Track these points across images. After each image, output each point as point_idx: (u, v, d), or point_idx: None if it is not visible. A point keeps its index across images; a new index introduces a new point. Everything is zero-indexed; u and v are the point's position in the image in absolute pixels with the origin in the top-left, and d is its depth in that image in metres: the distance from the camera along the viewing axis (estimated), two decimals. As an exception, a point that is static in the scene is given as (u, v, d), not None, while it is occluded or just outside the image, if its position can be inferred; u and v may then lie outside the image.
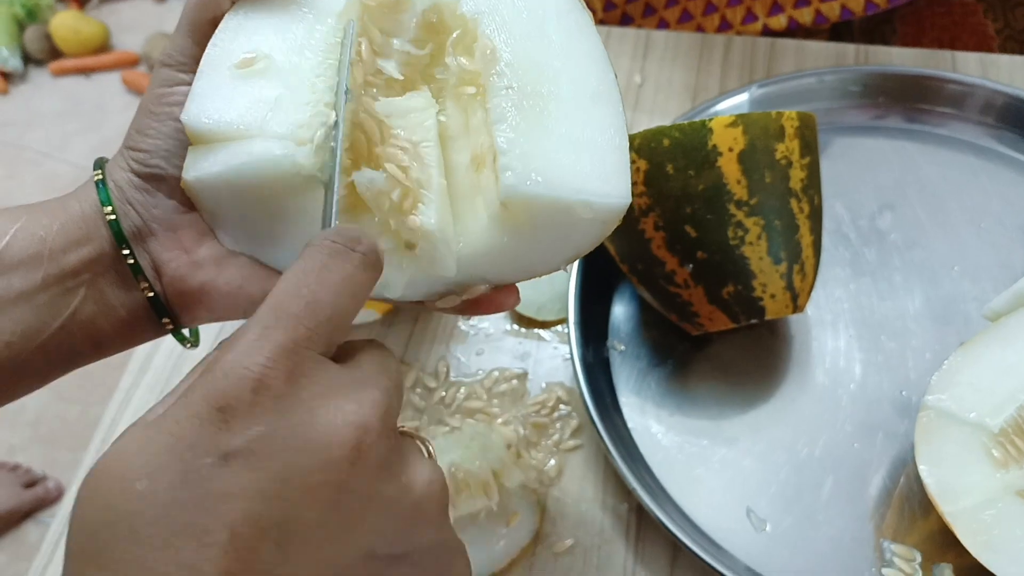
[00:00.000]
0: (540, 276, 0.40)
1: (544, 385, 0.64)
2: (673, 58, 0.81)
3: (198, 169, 0.37)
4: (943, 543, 0.54)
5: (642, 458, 0.59)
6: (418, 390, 0.65)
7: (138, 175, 0.38)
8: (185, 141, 0.38)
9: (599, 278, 0.66)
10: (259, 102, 0.37)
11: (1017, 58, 0.76)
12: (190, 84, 0.38)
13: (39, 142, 2.15)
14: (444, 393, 0.64)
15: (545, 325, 0.67)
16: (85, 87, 2.26)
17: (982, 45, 0.84)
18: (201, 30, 0.39)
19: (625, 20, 0.87)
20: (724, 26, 0.84)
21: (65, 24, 2.26)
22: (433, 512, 0.29)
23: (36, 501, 1.58)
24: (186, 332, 0.42)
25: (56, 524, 0.62)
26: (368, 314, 0.67)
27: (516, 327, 0.67)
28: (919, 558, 0.54)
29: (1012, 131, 0.70)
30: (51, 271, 0.37)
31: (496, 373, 0.65)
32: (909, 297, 0.64)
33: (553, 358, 0.65)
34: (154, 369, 0.69)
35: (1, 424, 1.70)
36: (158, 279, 0.38)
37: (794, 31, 0.83)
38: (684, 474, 0.58)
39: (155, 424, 0.26)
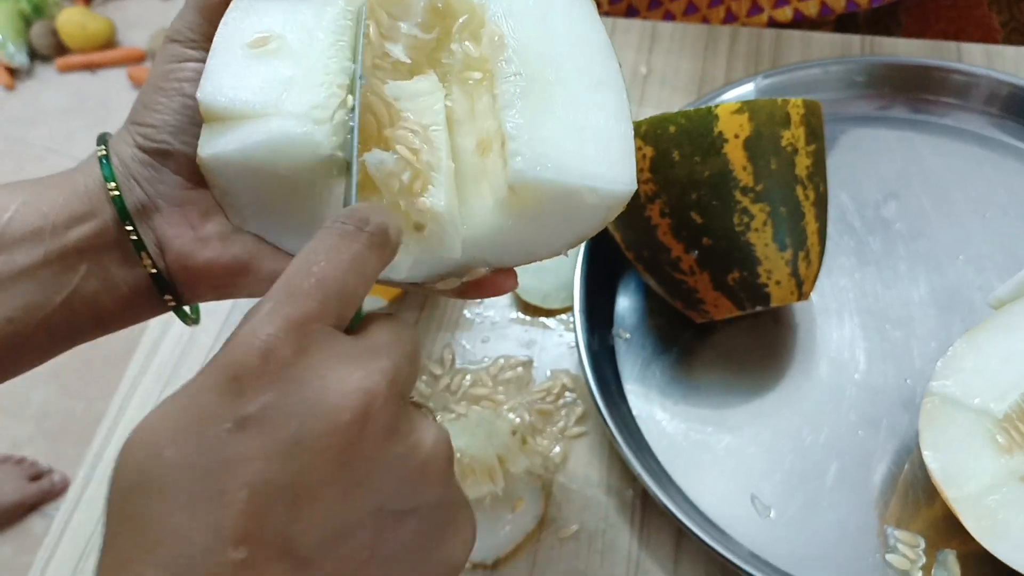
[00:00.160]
0: (541, 260, 0.41)
1: (549, 372, 0.64)
2: (679, 49, 0.81)
3: (214, 146, 0.37)
4: (947, 530, 0.54)
5: (647, 445, 0.59)
6: (424, 377, 0.65)
7: (144, 150, 0.38)
8: (193, 117, 0.38)
9: (604, 266, 0.66)
10: (274, 81, 0.37)
11: (1023, 49, 0.76)
12: (199, 60, 0.38)
13: (45, 138, 2.16)
14: (450, 380, 0.64)
15: (550, 313, 0.67)
16: (91, 83, 2.27)
17: (987, 38, 0.84)
18: (211, 7, 0.39)
19: (631, 12, 0.88)
20: (729, 18, 0.84)
21: (71, 20, 2.27)
22: (438, 471, 0.30)
23: (41, 494, 1.59)
24: (187, 309, 0.42)
25: (60, 517, 0.62)
26: (375, 301, 0.68)
27: (521, 315, 0.67)
28: (923, 544, 0.54)
29: (1017, 121, 0.70)
30: (53, 247, 0.37)
31: (501, 360, 0.65)
32: (914, 286, 0.64)
33: (558, 346, 0.66)
34: (160, 357, 0.69)
35: (7, 418, 1.71)
36: (162, 255, 0.39)
37: (799, 23, 0.83)
38: (689, 461, 0.59)
39: (179, 395, 0.28)
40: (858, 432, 0.58)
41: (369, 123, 0.39)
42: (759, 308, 0.58)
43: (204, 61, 0.38)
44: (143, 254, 0.38)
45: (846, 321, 0.63)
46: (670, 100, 0.78)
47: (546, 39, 0.40)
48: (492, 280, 0.41)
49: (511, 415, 0.61)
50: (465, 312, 0.68)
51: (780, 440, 0.59)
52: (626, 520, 0.58)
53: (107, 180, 0.38)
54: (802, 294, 0.58)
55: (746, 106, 0.54)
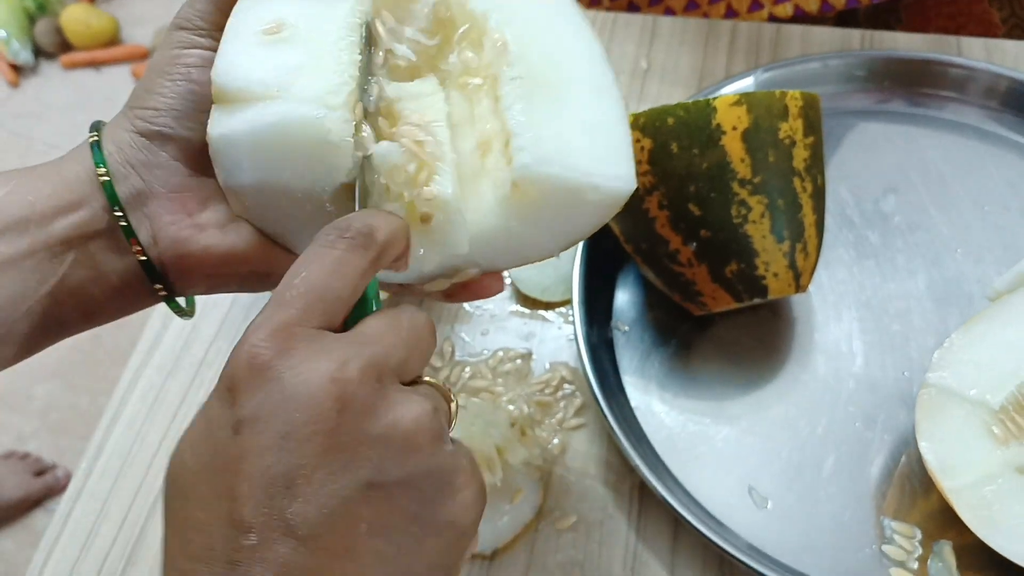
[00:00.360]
0: (534, 262, 0.42)
1: (548, 365, 0.65)
2: (679, 44, 0.81)
3: (224, 126, 0.37)
4: (943, 521, 0.54)
5: (645, 437, 0.60)
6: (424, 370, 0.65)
7: (143, 134, 0.38)
8: (198, 103, 0.38)
9: (603, 260, 0.66)
10: (287, 67, 0.38)
11: (1023, 43, 0.76)
12: (207, 48, 0.39)
13: (49, 134, 2.17)
14: (449, 373, 0.65)
15: (550, 306, 0.68)
16: (95, 80, 2.28)
17: (987, 34, 0.84)
18: None
19: (632, 8, 0.88)
20: (730, 14, 0.84)
21: (75, 17, 2.28)
22: (423, 442, 0.31)
23: (45, 489, 1.59)
24: (182, 302, 0.42)
25: (61, 510, 0.63)
26: None
27: (521, 308, 0.68)
28: (919, 535, 0.54)
29: (1016, 114, 0.71)
30: (38, 236, 0.37)
31: (501, 353, 0.65)
32: (912, 279, 0.64)
33: (557, 338, 0.66)
34: (162, 349, 0.70)
35: (11, 413, 1.71)
36: (155, 243, 0.38)
37: (800, 19, 0.83)
38: (686, 452, 0.59)
39: (199, 411, 0.32)
40: (855, 424, 0.59)
41: (373, 123, 0.40)
42: (757, 300, 0.58)
43: (212, 49, 0.39)
44: (132, 240, 0.38)
45: (844, 314, 0.64)
46: (670, 94, 0.78)
47: (547, 47, 0.42)
48: (480, 282, 0.42)
49: (510, 407, 0.61)
50: (464, 305, 0.69)
51: (778, 432, 0.59)
52: (624, 511, 0.58)
53: (97, 165, 0.38)
54: (800, 286, 0.58)
55: (744, 98, 0.54)
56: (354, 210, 0.37)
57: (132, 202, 0.38)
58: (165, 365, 0.68)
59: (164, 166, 0.39)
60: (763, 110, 0.54)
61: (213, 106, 0.38)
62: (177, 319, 0.70)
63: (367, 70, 0.40)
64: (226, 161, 0.38)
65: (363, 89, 0.39)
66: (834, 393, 0.60)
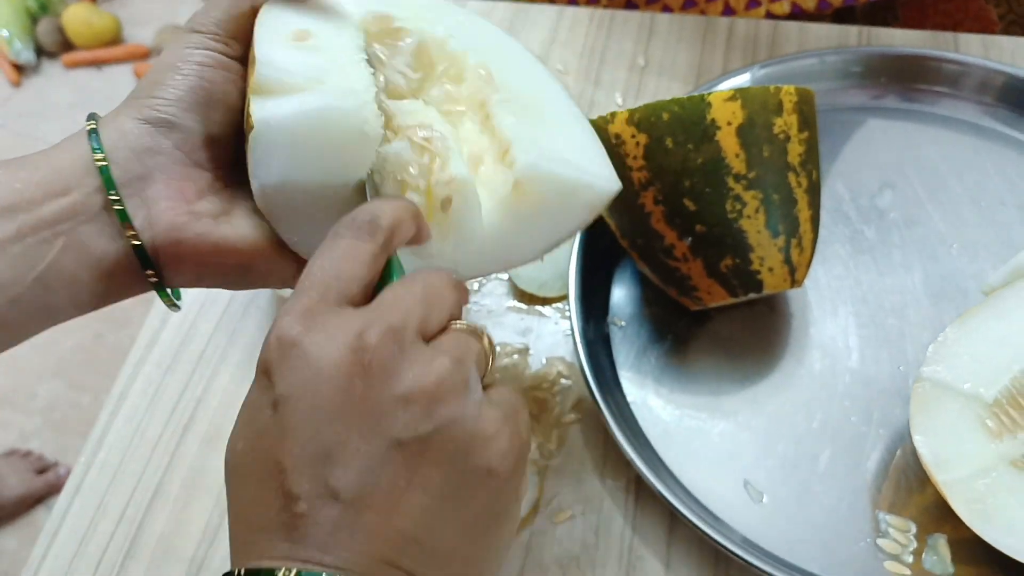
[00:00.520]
0: (516, 267, 0.46)
1: (545, 360, 0.65)
2: (676, 41, 0.81)
3: (267, 110, 0.38)
4: (938, 515, 0.54)
5: (641, 431, 0.60)
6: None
7: (148, 121, 0.39)
8: (207, 100, 0.40)
9: (600, 256, 0.66)
10: (321, 66, 0.40)
11: (1020, 39, 0.76)
12: (219, 52, 0.40)
13: (51, 133, 2.17)
14: (446, 368, 0.65)
15: (546, 302, 0.68)
16: (97, 79, 2.28)
17: (984, 30, 0.84)
18: (243, 11, 0.41)
19: (630, 6, 0.88)
20: (727, 11, 0.84)
21: (77, 17, 2.28)
22: (446, 395, 0.33)
23: (47, 487, 1.60)
24: (169, 292, 0.42)
25: (61, 503, 0.63)
26: None
27: (518, 303, 0.68)
28: (914, 529, 0.54)
29: (1012, 110, 0.71)
30: (26, 222, 0.37)
31: (498, 348, 0.66)
32: (908, 274, 0.65)
33: (554, 334, 0.66)
34: (161, 345, 0.70)
35: (13, 411, 1.72)
36: (149, 228, 0.39)
37: (797, 16, 0.83)
38: (682, 447, 0.59)
39: (244, 400, 0.34)
40: (851, 419, 0.59)
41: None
42: (752, 295, 0.58)
43: (224, 54, 0.41)
44: (127, 225, 0.38)
45: (840, 309, 0.64)
46: (667, 91, 0.78)
47: (521, 78, 0.47)
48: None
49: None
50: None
51: (773, 426, 0.59)
52: (620, 505, 0.58)
53: (95, 151, 0.38)
54: (795, 281, 0.58)
55: (739, 94, 0.54)
56: None
57: (130, 186, 0.39)
58: (164, 361, 0.69)
59: (166, 153, 0.39)
60: (758, 105, 0.54)
61: (251, 96, 0.39)
62: (176, 315, 0.71)
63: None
64: (264, 146, 0.39)
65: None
66: (830, 388, 0.60)
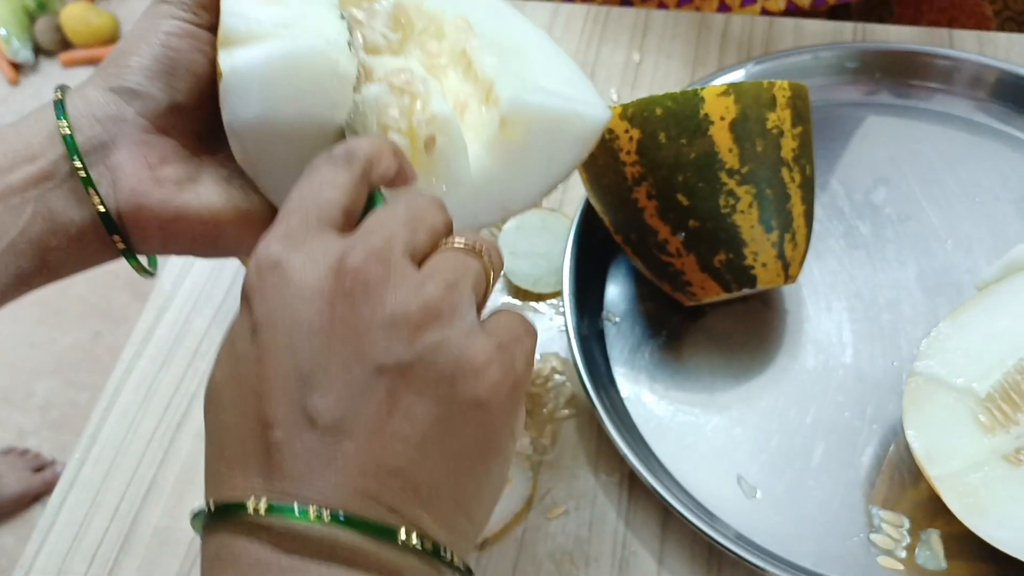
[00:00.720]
0: (517, 213, 0.44)
1: (539, 356, 0.65)
2: (672, 37, 0.81)
3: (236, 59, 0.38)
4: (931, 511, 0.54)
5: (635, 427, 0.60)
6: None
7: (113, 89, 0.40)
8: (170, 69, 0.40)
9: (595, 252, 0.66)
10: (292, 15, 0.40)
11: (1015, 36, 0.76)
12: (187, 21, 0.40)
13: (49, 132, 2.17)
14: (441, 363, 0.65)
15: (541, 297, 0.68)
16: (95, 78, 2.28)
17: (979, 27, 0.84)
18: None
19: (625, 3, 0.88)
20: (723, 8, 0.84)
21: (75, 15, 2.28)
22: (432, 320, 0.31)
23: (44, 485, 1.60)
24: (144, 261, 0.43)
25: (55, 497, 0.63)
26: None
27: (513, 299, 0.68)
28: (907, 524, 0.54)
29: (1006, 105, 0.71)
30: None
31: (492, 344, 0.65)
32: (902, 270, 0.65)
33: (549, 329, 0.66)
34: (155, 341, 0.70)
35: (11, 409, 1.72)
36: (114, 194, 0.39)
37: (793, 13, 0.83)
38: (676, 442, 0.59)
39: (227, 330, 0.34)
40: (844, 414, 0.59)
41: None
42: (746, 290, 0.58)
43: (192, 23, 0.40)
44: (91, 190, 0.39)
45: (834, 304, 0.64)
46: (662, 87, 0.78)
47: (501, 24, 0.46)
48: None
49: (501, 397, 0.62)
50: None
51: (767, 422, 0.59)
52: (613, 500, 0.58)
53: (59, 118, 0.39)
54: (789, 276, 0.58)
55: (732, 88, 0.54)
56: None
57: (95, 153, 0.39)
58: (158, 356, 0.69)
59: (130, 121, 0.40)
60: (751, 100, 0.54)
61: (220, 49, 0.39)
62: (170, 311, 0.71)
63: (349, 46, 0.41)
64: (235, 96, 0.39)
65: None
66: (823, 383, 0.60)
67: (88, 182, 0.39)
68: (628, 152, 0.55)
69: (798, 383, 0.61)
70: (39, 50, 2.33)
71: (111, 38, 2.32)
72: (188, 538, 0.60)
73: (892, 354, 0.61)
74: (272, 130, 0.40)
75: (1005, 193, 0.67)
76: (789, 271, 0.58)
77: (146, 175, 0.39)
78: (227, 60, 0.38)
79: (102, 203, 0.39)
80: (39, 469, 1.62)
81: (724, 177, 0.54)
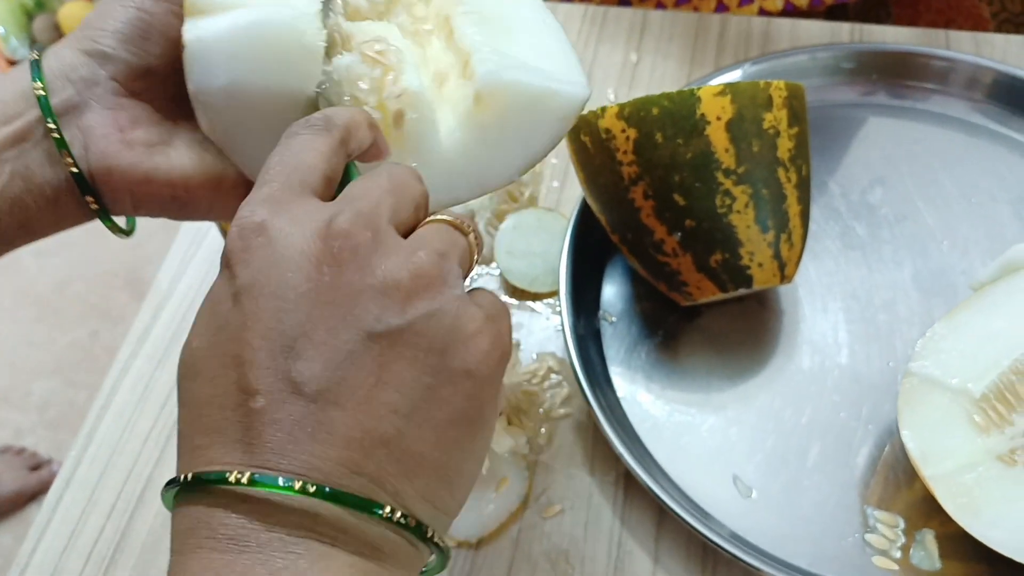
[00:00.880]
0: (495, 189, 0.43)
1: (535, 355, 0.65)
2: (669, 38, 0.82)
3: (200, 29, 0.38)
4: (926, 511, 0.54)
5: (631, 426, 0.60)
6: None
7: (86, 52, 0.40)
8: (144, 32, 0.40)
9: (591, 252, 0.66)
10: None
11: (1012, 37, 0.76)
12: None
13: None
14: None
15: (537, 297, 0.68)
16: (93, 77, 2.28)
17: (977, 28, 0.84)
18: None
19: (623, 3, 0.88)
20: (720, 8, 0.84)
21: (73, 14, 2.28)
22: (424, 288, 0.31)
23: (41, 484, 1.60)
24: (122, 223, 0.43)
25: (51, 496, 0.63)
26: None
27: (509, 299, 0.68)
28: (902, 524, 0.54)
29: (1002, 107, 0.71)
30: None
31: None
32: (898, 270, 0.65)
33: (545, 329, 0.66)
34: (152, 340, 0.70)
35: (9, 408, 1.72)
36: (86, 156, 0.40)
37: (790, 13, 0.83)
38: (672, 442, 0.59)
39: (203, 300, 0.33)
40: (840, 414, 0.59)
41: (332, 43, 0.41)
42: (742, 290, 0.58)
43: None
44: (64, 152, 0.39)
45: (830, 305, 0.64)
46: (659, 87, 0.78)
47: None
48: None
49: (497, 396, 0.62)
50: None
51: (763, 422, 0.59)
52: (609, 500, 0.58)
53: (34, 80, 0.39)
54: (785, 276, 0.58)
55: (728, 88, 0.54)
56: None
57: (67, 114, 0.39)
58: (155, 355, 0.69)
59: (102, 84, 0.40)
60: (747, 100, 0.54)
61: (186, 19, 0.39)
62: (167, 309, 0.71)
63: (325, 13, 0.41)
64: (199, 67, 0.39)
65: (324, 24, 0.40)
66: (819, 383, 0.60)
67: (61, 143, 0.39)
68: (625, 152, 0.55)
69: (794, 383, 0.61)
70: (37, 49, 2.33)
71: (109, 37, 2.32)
72: (184, 537, 0.60)
73: (888, 355, 0.61)
74: (237, 101, 0.39)
75: (1001, 194, 0.67)
76: (785, 271, 0.58)
77: (116, 137, 0.40)
78: (192, 30, 0.38)
79: (75, 164, 0.39)
80: (36, 468, 1.62)
81: (720, 177, 0.54)
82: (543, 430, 0.61)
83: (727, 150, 0.54)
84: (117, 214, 0.42)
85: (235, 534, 0.29)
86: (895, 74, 0.74)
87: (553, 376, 0.63)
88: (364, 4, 0.43)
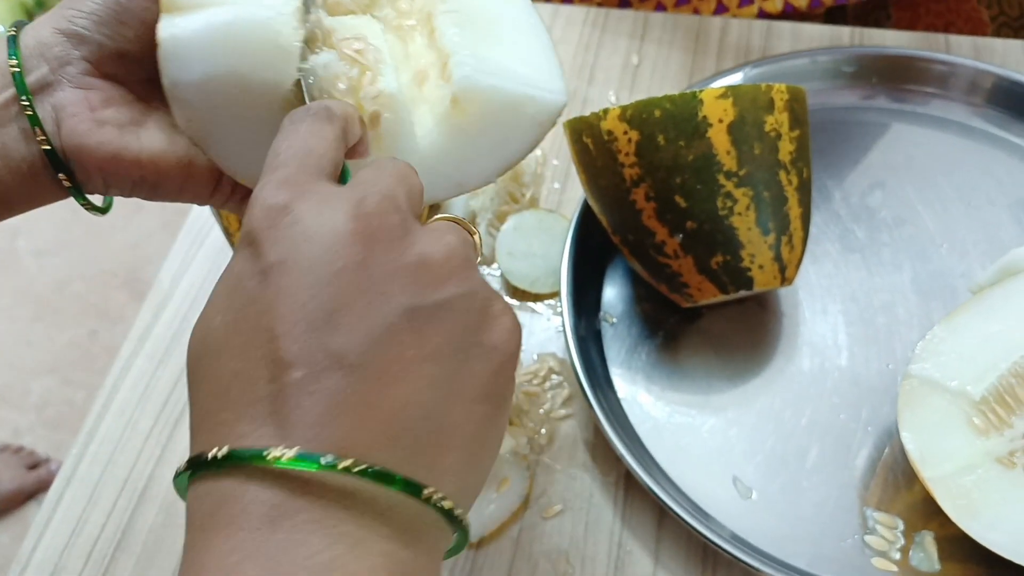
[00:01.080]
0: (471, 190, 0.43)
1: (536, 356, 0.65)
2: (670, 40, 0.82)
3: (175, 27, 0.38)
4: (925, 512, 0.55)
5: (631, 427, 0.60)
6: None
7: (62, 32, 0.40)
8: (118, 16, 0.40)
9: (592, 253, 0.67)
10: None
11: (1011, 42, 0.77)
12: None
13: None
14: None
15: (539, 298, 0.68)
16: (93, 76, 2.28)
17: (976, 32, 0.85)
18: None
19: (624, 4, 0.88)
20: (720, 9, 0.85)
21: (74, 13, 2.28)
22: (456, 268, 0.32)
23: (39, 483, 1.60)
24: (98, 201, 0.43)
25: (52, 494, 0.63)
26: None
27: (510, 299, 0.68)
28: (901, 526, 0.55)
29: (1001, 111, 0.71)
30: None
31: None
32: (897, 273, 0.65)
33: (546, 330, 0.66)
34: (153, 339, 0.70)
35: (7, 407, 1.72)
36: (58, 133, 0.40)
37: (790, 15, 0.84)
38: (672, 443, 0.59)
39: (220, 279, 0.32)
40: (839, 416, 0.59)
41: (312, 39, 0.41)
42: (743, 292, 0.59)
43: None
44: (37, 129, 0.39)
45: (830, 307, 0.64)
46: (661, 90, 0.79)
47: None
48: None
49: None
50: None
51: (763, 423, 0.59)
52: (609, 500, 0.58)
53: (10, 57, 0.39)
54: (785, 279, 0.59)
55: (730, 91, 0.54)
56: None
57: (40, 92, 0.40)
58: (156, 354, 0.69)
59: (75, 63, 0.40)
60: (749, 103, 0.54)
61: (162, 15, 0.39)
62: (168, 309, 0.71)
63: (306, 8, 0.41)
64: (174, 64, 0.39)
65: (303, 19, 0.40)
66: (819, 385, 0.61)
67: (35, 121, 0.39)
68: (627, 154, 0.55)
69: (794, 385, 0.61)
70: (37, 48, 2.33)
71: (109, 36, 2.32)
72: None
73: (887, 357, 0.61)
74: (212, 98, 0.39)
75: (1000, 198, 0.68)
76: (785, 273, 0.58)
77: (87, 116, 0.40)
78: (167, 27, 0.38)
79: (47, 142, 0.40)
80: (33, 467, 1.62)
81: (722, 179, 0.55)
82: (544, 430, 0.61)
83: (729, 152, 0.54)
84: (90, 192, 0.43)
85: (267, 513, 0.28)
86: (895, 78, 0.74)
87: (554, 377, 0.64)
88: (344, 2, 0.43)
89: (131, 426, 0.65)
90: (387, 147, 0.40)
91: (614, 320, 0.65)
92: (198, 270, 0.73)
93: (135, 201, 0.45)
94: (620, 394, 0.62)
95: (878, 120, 0.74)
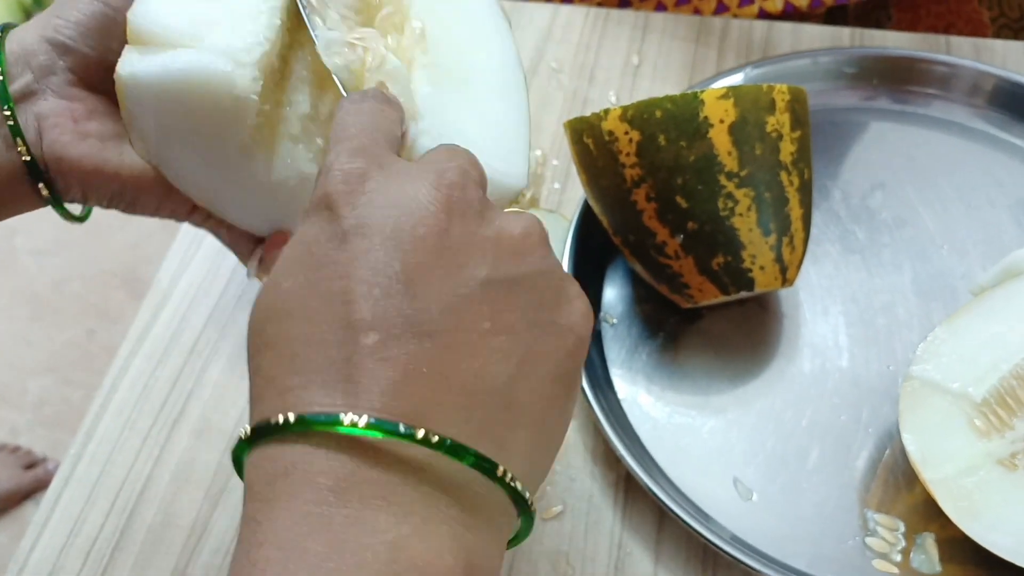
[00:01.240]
0: None
1: (536, 357, 0.65)
2: (671, 40, 0.82)
3: (134, 66, 0.38)
4: (926, 514, 0.54)
5: (631, 428, 0.60)
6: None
7: (48, 40, 0.40)
8: (106, 27, 0.40)
9: (592, 254, 0.67)
10: (206, 19, 0.39)
11: (1011, 43, 0.77)
12: None
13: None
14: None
15: (539, 298, 0.68)
16: (91, 75, 2.28)
17: (976, 33, 0.85)
18: None
19: (624, 4, 0.88)
20: (720, 8, 0.85)
21: (72, 12, 2.28)
22: (534, 245, 0.32)
23: (36, 482, 1.60)
24: (76, 211, 0.43)
25: (50, 494, 0.63)
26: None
27: (510, 300, 0.68)
28: (902, 528, 0.54)
29: (1002, 112, 0.71)
30: None
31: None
32: (898, 274, 0.65)
33: (546, 330, 0.66)
34: (152, 338, 0.70)
35: (4, 406, 1.71)
36: (39, 143, 0.40)
37: (790, 14, 0.84)
38: (672, 444, 0.59)
39: (290, 243, 0.31)
40: (840, 417, 0.59)
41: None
42: (744, 293, 0.59)
43: None
44: (18, 140, 0.39)
45: (830, 308, 0.64)
46: (661, 90, 0.78)
47: (462, 42, 0.44)
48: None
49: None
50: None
51: (763, 424, 0.59)
52: (610, 502, 0.58)
53: None
54: (786, 280, 0.59)
55: (731, 92, 0.54)
56: (256, 166, 0.41)
57: (24, 100, 0.40)
58: (155, 353, 0.69)
59: (59, 73, 0.40)
60: (750, 103, 0.54)
61: (126, 46, 0.39)
62: (167, 309, 0.71)
63: (291, 37, 0.41)
64: (132, 101, 0.39)
65: (284, 56, 0.41)
66: (819, 386, 0.61)
67: (16, 130, 0.39)
68: (627, 154, 0.55)
69: (794, 386, 0.61)
70: (35, 47, 2.32)
71: (108, 35, 2.32)
72: (184, 535, 0.60)
73: (888, 358, 0.61)
74: (167, 135, 0.40)
75: (1001, 199, 0.68)
76: (786, 274, 0.58)
77: (69, 127, 0.40)
78: (126, 65, 0.38)
79: (28, 152, 0.39)
80: (31, 466, 1.62)
81: (723, 180, 0.55)
82: (544, 431, 0.61)
83: (730, 153, 0.54)
84: (69, 201, 0.43)
85: (335, 485, 0.27)
86: (896, 79, 0.74)
87: (554, 377, 0.63)
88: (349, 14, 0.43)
89: (129, 426, 0.65)
90: None
91: (614, 321, 0.65)
92: (197, 270, 0.73)
93: (133, 201, 0.44)
94: (620, 395, 0.62)
95: (879, 121, 0.73)
